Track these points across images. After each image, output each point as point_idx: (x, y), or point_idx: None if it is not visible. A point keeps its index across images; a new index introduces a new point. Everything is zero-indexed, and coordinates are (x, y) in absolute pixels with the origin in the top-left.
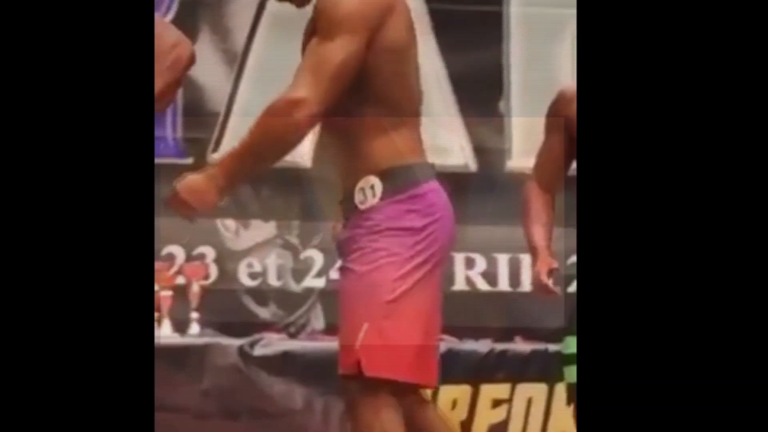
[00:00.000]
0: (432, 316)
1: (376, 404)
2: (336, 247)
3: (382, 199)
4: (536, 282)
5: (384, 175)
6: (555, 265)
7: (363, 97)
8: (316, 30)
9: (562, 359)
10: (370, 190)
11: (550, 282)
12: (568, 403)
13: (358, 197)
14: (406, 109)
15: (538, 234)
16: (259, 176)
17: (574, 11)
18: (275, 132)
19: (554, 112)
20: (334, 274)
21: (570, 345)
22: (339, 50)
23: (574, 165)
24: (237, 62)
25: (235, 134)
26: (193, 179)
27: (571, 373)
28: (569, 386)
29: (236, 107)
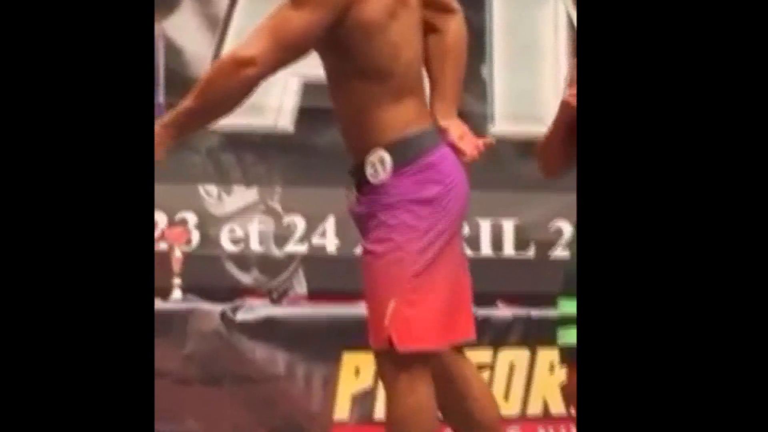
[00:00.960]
0: (458, 279)
1: (410, 378)
2: (353, 219)
3: (393, 172)
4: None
5: (392, 148)
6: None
7: (353, 73)
8: None
9: (557, 322)
10: (380, 164)
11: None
12: (561, 364)
13: (369, 171)
14: (404, 79)
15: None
16: (199, 130)
17: None
18: (221, 88)
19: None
20: (316, 240)
21: (565, 306)
22: (299, 20)
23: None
24: (219, 28)
25: None
26: None
27: (564, 335)
28: (563, 349)
29: None
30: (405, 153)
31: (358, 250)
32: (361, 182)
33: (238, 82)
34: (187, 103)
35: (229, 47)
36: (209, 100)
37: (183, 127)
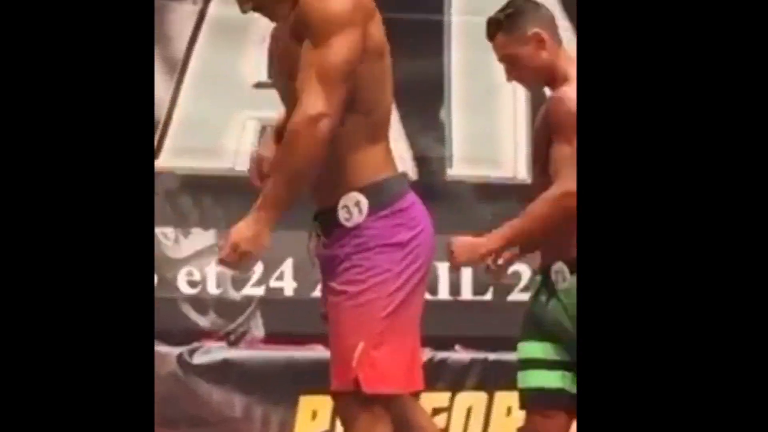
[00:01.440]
0: (419, 325)
1: (372, 420)
2: (315, 264)
3: (368, 215)
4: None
5: (367, 191)
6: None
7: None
8: (307, 35)
9: (517, 365)
10: (355, 207)
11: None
12: (521, 408)
13: (342, 215)
14: (383, 118)
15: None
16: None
17: None
18: (302, 151)
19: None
20: (274, 283)
21: (523, 351)
22: (339, 51)
23: (524, 172)
24: (177, 70)
25: (175, 142)
26: (244, 227)
27: (524, 378)
28: (522, 392)
29: (176, 115)
30: (381, 196)
31: (317, 293)
32: (330, 226)
33: (316, 140)
34: (274, 180)
35: (187, 90)
36: (297, 168)
37: (279, 203)
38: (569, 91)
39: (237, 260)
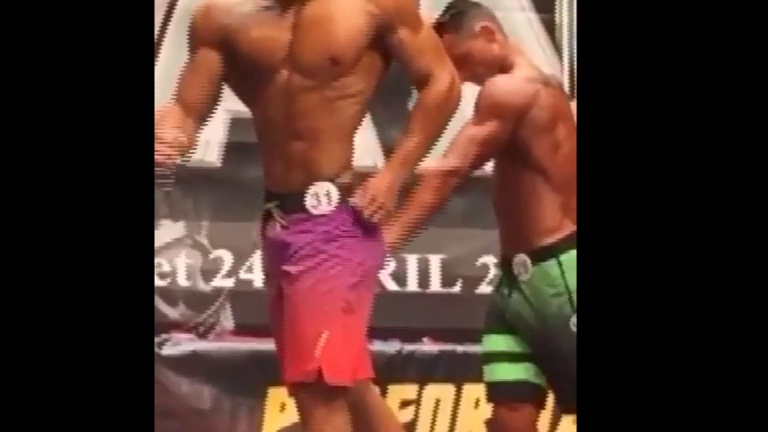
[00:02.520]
0: (370, 313)
1: (331, 409)
2: (267, 246)
3: (336, 206)
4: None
5: (339, 183)
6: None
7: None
8: (403, 24)
9: (481, 358)
10: (325, 196)
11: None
12: (488, 401)
13: (310, 201)
14: (363, 110)
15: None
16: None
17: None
18: (445, 115)
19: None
20: (243, 275)
21: (488, 343)
22: (430, 29)
23: (489, 165)
24: None
25: None
26: (380, 181)
27: (489, 372)
28: (488, 385)
29: None
30: (351, 190)
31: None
32: (292, 210)
33: (454, 106)
34: (415, 139)
35: (157, 83)
36: (438, 131)
37: (415, 160)
38: (503, 78)
39: (375, 212)
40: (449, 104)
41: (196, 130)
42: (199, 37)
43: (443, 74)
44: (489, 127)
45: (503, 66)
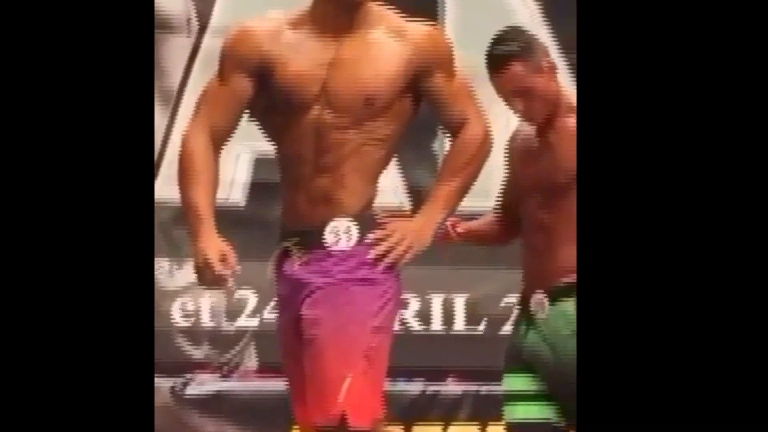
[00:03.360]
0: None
1: None
2: (284, 283)
3: (356, 243)
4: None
5: (360, 220)
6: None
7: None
8: (440, 70)
9: (502, 398)
10: (345, 233)
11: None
12: None
13: (329, 237)
14: (393, 151)
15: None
16: None
17: None
18: (481, 161)
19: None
20: (267, 315)
21: (508, 383)
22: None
23: None
24: (172, 102)
25: (170, 173)
26: (412, 224)
27: (510, 412)
28: (509, 425)
29: (170, 147)
30: (370, 226)
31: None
32: (311, 247)
33: (489, 152)
34: (452, 184)
35: (182, 121)
36: (475, 176)
37: (453, 205)
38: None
39: (403, 252)
40: (484, 149)
41: (217, 157)
42: (235, 61)
43: (478, 120)
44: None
45: (556, 108)
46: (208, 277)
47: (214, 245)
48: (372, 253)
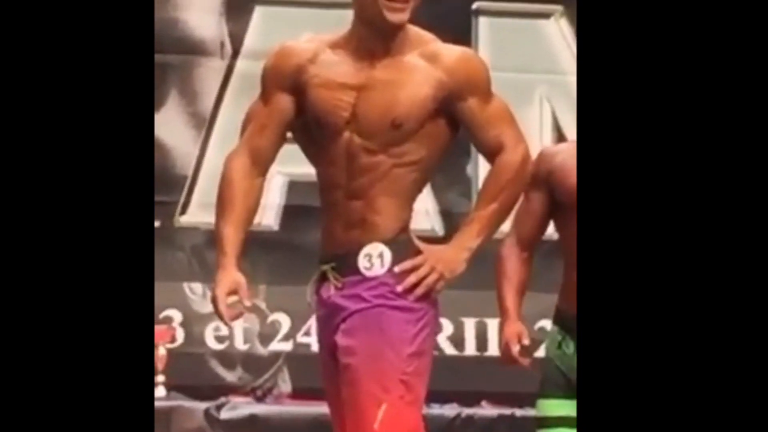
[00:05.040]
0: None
1: None
2: (321, 307)
3: (389, 269)
4: (505, 351)
5: (392, 245)
6: (525, 338)
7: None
8: (475, 95)
9: (536, 422)
10: (378, 258)
11: (517, 352)
12: None
13: (363, 262)
14: (427, 177)
15: (510, 296)
16: None
17: (541, 76)
18: (521, 186)
19: (535, 171)
20: (301, 338)
21: (542, 408)
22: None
23: (551, 228)
24: (205, 125)
25: (203, 197)
26: (444, 250)
27: None
28: None
29: (204, 170)
30: (404, 251)
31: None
32: (346, 272)
33: (528, 177)
34: (489, 210)
35: (215, 145)
36: (514, 201)
37: (491, 232)
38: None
39: (433, 283)
40: (523, 174)
41: (262, 179)
42: (274, 80)
43: (516, 144)
44: None
45: None
46: (215, 310)
47: (226, 280)
48: (400, 287)
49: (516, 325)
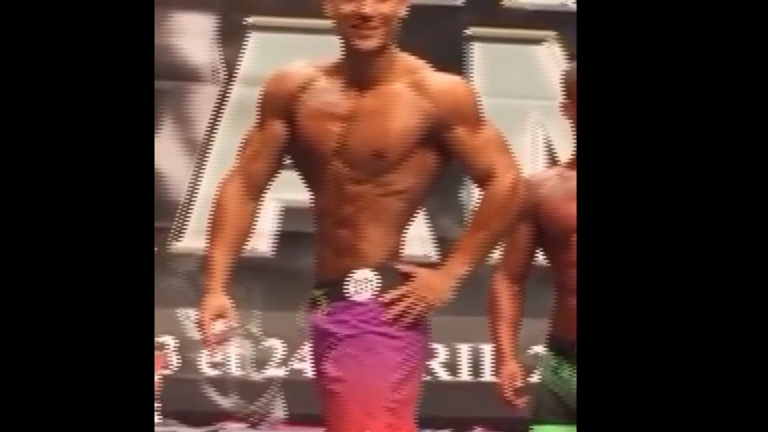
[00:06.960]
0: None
1: None
2: (312, 332)
3: (376, 295)
4: (500, 394)
5: (381, 271)
6: (518, 380)
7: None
8: (462, 124)
9: None
10: (364, 283)
11: (512, 395)
12: None
13: (351, 288)
14: (416, 205)
15: (505, 335)
16: None
17: (534, 102)
18: (512, 213)
19: None
20: (296, 364)
21: None
22: (492, 124)
23: (539, 256)
24: (199, 151)
25: (197, 223)
26: (431, 276)
27: None
28: None
29: (198, 196)
30: (391, 278)
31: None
32: (335, 297)
33: (521, 203)
34: (479, 237)
35: (209, 171)
36: (505, 228)
37: (480, 258)
38: None
39: (419, 313)
40: (513, 202)
41: (255, 203)
42: (269, 105)
43: (506, 172)
44: None
45: None
46: (201, 335)
47: (212, 304)
48: (386, 315)
49: (509, 366)
